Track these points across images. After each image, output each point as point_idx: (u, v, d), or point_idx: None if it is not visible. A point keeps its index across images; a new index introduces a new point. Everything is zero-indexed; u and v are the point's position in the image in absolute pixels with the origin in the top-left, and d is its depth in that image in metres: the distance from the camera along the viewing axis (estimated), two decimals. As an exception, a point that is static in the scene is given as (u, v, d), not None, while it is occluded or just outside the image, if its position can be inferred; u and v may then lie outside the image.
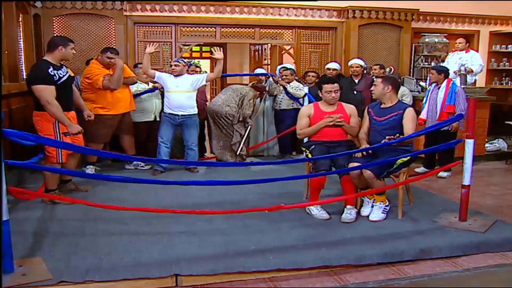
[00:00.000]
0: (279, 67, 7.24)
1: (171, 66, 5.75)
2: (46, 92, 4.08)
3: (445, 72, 5.86)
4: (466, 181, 3.83)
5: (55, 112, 4.12)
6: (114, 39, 6.81)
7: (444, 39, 8.55)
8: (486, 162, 6.94)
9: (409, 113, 4.08)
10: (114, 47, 5.77)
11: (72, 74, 4.61)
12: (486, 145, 7.26)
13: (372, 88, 4.30)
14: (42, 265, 2.97)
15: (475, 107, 3.83)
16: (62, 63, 4.42)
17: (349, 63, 6.81)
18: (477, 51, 8.09)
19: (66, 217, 3.96)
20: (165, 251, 3.24)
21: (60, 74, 4.25)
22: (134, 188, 4.71)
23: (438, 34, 8.55)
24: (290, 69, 6.73)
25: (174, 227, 3.70)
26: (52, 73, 4.16)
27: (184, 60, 5.85)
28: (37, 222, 3.84)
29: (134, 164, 5.92)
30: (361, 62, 6.66)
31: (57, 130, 4.25)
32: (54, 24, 6.62)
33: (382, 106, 4.24)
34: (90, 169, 5.48)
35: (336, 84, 4.33)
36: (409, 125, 4.04)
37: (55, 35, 6.55)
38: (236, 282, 3.02)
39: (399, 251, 3.32)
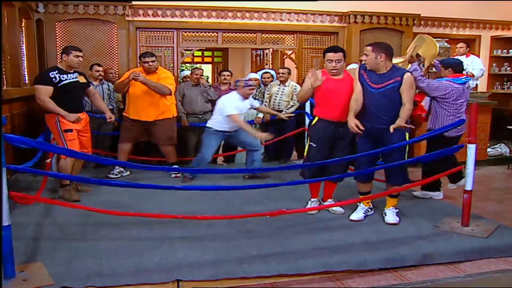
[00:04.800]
0: (260, 72, 7.27)
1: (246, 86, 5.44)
2: (39, 91, 4.51)
3: None
4: (468, 186, 3.82)
5: (48, 107, 4.55)
6: (116, 44, 6.82)
7: (446, 44, 8.52)
8: (488, 166, 6.92)
9: (407, 80, 3.85)
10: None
11: (83, 81, 4.81)
12: (488, 149, 7.24)
13: (364, 58, 4.00)
14: (43, 270, 2.96)
15: (477, 111, 3.80)
16: (74, 70, 4.74)
17: (347, 68, 6.78)
18: (478, 56, 8.10)
19: (67, 222, 3.95)
20: (166, 257, 3.23)
21: (63, 77, 4.56)
22: (135, 192, 4.71)
23: (440, 39, 8.54)
24: (287, 68, 6.81)
25: (175, 232, 3.69)
26: (52, 76, 4.54)
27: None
28: (38, 227, 3.83)
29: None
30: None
31: (59, 128, 4.56)
32: (57, 29, 6.63)
33: (378, 72, 3.94)
34: (115, 169, 5.66)
35: (339, 53, 4.10)
36: (408, 94, 3.84)
37: (57, 40, 6.57)
38: (238, 287, 3.00)
39: (401, 256, 3.30)
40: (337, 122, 4.13)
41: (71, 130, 4.57)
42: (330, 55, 4.11)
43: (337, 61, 4.10)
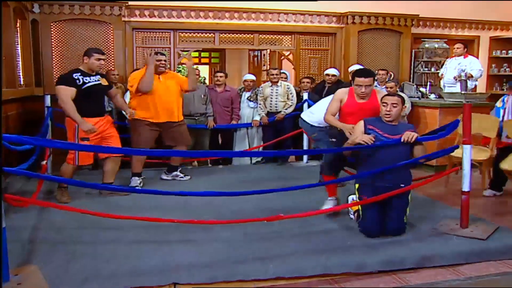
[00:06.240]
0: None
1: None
2: (63, 92, 4.48)
3: None
4: (466, 187, 3.82)
5: (67, 110, 4.48)
6: (112, 44, 6.81)
7: (444, 45, 8.58)
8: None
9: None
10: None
11: (105, 83, 4.81)
12: (487, 151, 7.24)
13: (388, 109, 3.77)
14: (38, 274, 2.94)
15: (470, 112, 3.81)
16: (97, 72, 4.77)
17: (349, 69, 6.79)
18: (477, 56, 8.12)
19: (63, 224, 3.93)
20: (164, 259, 3.22)
21: (86, 80, 4.60)
22: (132, 195, 4.71)
23: (438, 40, 8.57)
24: (276, 68, 6.85)
25: (173, 235, 3.68)
26: (76, 77, 4.55)
27: None
28: (34, 229, 3.82)
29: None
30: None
31: (77, 135, 4.57)
32: (52, 29, 6.62)
33: (391, 124, 3.82)
34: (134, 181, 5.32)
35: (368, 79, 4.06)
36: (420, 148, 3.80)
37: (52, 41, 6.57)
38: (236, 290, 3.01)
39: (400, 258, 3.31)
40: None
41: (87, 139, 4.58)
42: (360, 80, 4.07)
43: (366, 86, 4.06)
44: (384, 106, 3.82)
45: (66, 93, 4.46)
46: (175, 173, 5.77)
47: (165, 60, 5.37)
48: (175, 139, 5.53)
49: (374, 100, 4.14)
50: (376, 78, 7.05)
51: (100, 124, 4.71)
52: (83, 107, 4.52)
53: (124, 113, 5.36)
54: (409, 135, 3.67)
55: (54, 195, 4.72)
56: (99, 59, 4.66)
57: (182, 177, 5.76)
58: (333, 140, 4.29)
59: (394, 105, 3.78)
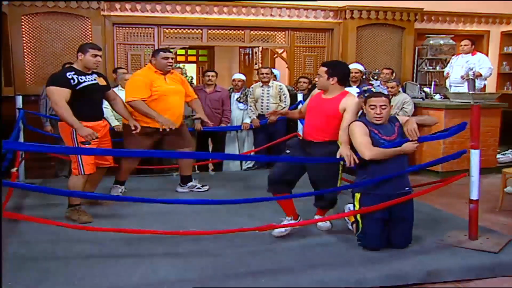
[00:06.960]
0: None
1: None
2: (56, 94, 4.26)
3: None
4: (474, 195, 3.81)
5: (62, 114, 4.26)
6: (90, 41, 6.76)
7: (451, 41, 8.60)
8: (498, 174, 6.92)
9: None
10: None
11: (103, 83, 4.65)
12: (498, 156, 7.27)
13: (378, 112, 3.71)
14: (6, 293, 2.91)
15: (479, 114, 3.79)
16: (94, 70, 4.56)
17: (351, 67, 6.77)
18: (486, 53, 8.14)
19: (35, 239, 3.87)
20: (146, 275, 3.19)
21: (81, 79, 4.40)
22: (113, 205, 4.68)
23: (444, 36, 8.60)
24: (267, 67, 6.82)
25: (156, 248, 3.65)
26: (70, 77, 4.33)
27: None
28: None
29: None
30: (361, 67, 6.65)
31: (75, 139, 4.36)
32: (23, 23, 6.59)
33: (384, 124, 3.78)
34: (116, 190, 5.22)
35: (324, 69, 3.96)
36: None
37: (23, 36, 6.52)
38: (224, 309, 2.98)
39: (403, 273, 3.29)
40: (308, 140, 4.04)
41: (89, 143, 4.36)
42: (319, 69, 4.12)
43: (319, 76, 4.03)
44: (372, 108, 3.75)
45: (59, 95, 4.24)
46: (191, 184, 5.51)
47: (172, 58, 5.19)
48: (177, 143, 5.27)
49: (337, 102, 3.96)
50: (376, 78, 7.07)
51: (98, 129, 4.52)
52: (78, 109, 4.31)
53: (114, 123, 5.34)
54: (411, 131, 3.67)
55: (66, 215, 4.44)
56: (96, 55, 4.45)
57: (200, 188, 5.52)
58: (288, 152, 4.15)
59: (383, 107, 3.73)
